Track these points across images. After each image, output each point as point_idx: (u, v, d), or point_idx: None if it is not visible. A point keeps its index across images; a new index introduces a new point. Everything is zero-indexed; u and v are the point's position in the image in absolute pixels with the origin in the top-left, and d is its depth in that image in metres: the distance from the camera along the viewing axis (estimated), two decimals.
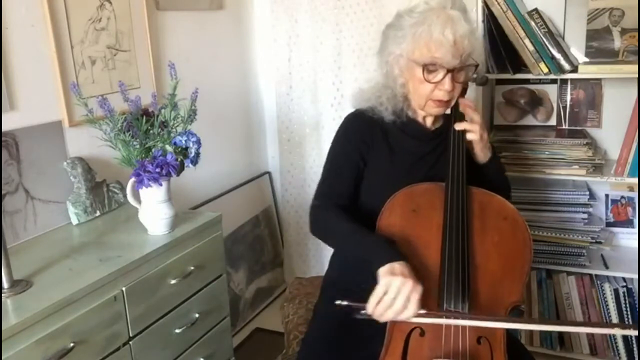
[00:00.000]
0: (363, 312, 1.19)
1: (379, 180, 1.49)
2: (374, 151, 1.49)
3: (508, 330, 1.52)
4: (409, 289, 1.16)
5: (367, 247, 1.29)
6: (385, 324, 1.29)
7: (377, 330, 1.29)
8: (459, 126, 1.46)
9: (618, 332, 1.24)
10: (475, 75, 1.53)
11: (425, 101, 1.44)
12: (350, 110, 1.57)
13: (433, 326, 1.27)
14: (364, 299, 1.23)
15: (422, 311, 1.17)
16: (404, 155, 1.50)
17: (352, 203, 1.47)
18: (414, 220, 1.38)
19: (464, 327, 1.26)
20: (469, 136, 1.46)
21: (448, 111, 1.52)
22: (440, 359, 1.24)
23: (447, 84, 1.39)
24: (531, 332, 2.30)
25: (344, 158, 1.49)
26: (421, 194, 1.41)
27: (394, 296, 1.17)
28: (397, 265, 1.20)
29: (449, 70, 1.38)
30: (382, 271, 1.20)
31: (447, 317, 1.24)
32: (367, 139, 1.49)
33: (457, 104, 1.50)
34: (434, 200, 1.38)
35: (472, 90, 2.21)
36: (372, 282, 1.24)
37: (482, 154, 1.50)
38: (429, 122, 1.53)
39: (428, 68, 1.39)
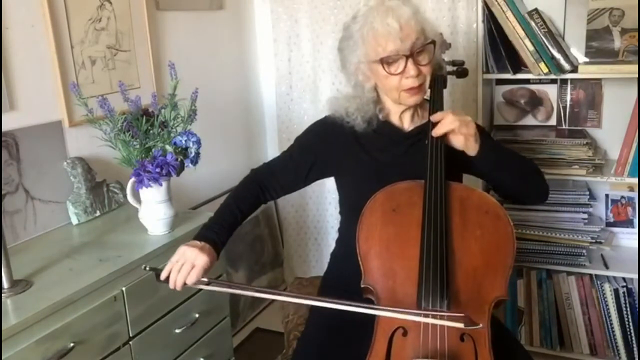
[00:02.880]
0: (161, 278, 1.31)
1: (355, 179, 1.51)
2: (344, 152, 1.51)
3: (504, 328, 1.52)
4: (194, 255, 1.30)
5: (205, 224, 1.44)
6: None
7: (369, 330, 1.30)
8: (435, 132, 1.37)
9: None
10: (449, 71, 1.52)
11: (398, 94, 1.42)
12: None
13: (415, 325, 1.26)
14: (352, 297, 1.30)
15: (205, 279, 1.31)
16: (377, 154, 1.49)
17: (283, 184, 1.58)
18: (395, 219, 1.37)
19: (442, 325, 1.24)
20: (449, 136, 1.37)
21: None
22: (424, 358, 1.24)
23: (411, 69, 1.37)
24: (531, 331, 2.31)
25: (296, 150, 1.58)
26: (401, 193, 1.40)
27: (182, 262, 1.30)
28: (197, 242, 1.35)
29: (407, 57, 1.37)
30: (184, 244, 1.35)
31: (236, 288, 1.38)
32: (330, 140, 1.52)
33: (436, 97, 1.47)
34: (413, 197, 1.37)
35: (468, 89, 2.21)
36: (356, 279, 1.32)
37: (470, 148, 1.38)
38: (406, 122, 1.51)
39: (387, 61, 1.38)
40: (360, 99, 1.47)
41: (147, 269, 1.34)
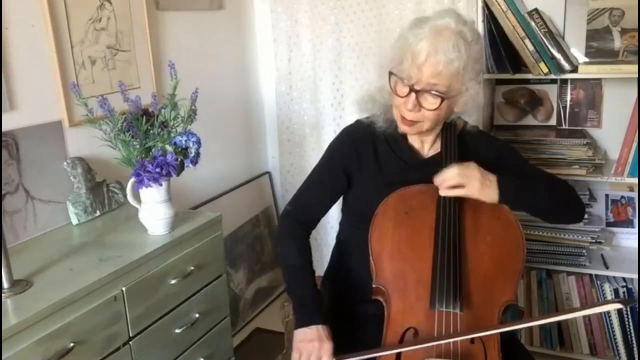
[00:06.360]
0: None
1: (364, 192, 1.49)
2: (362, 166, 1.49)
3: None
4: (317, 348, 1.29)
5: (296, 300, 1.40)
6: (381, 324, 1.31)
7: (373, 330, 1.30)
8: (444, 193, 1.36)
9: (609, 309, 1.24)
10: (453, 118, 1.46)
11: (397, 114, 1.40)
12: (349, 112, 1.56)
13: (426, 326, 1.27)
14: (352, 297, 1.33)
15: None
16: (392, 177, 1.47)
17: (321, 214, 1.54)
18: (407, 221, 1.37)
19: (455, 327, 1.26)
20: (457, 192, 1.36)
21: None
22: (436, 359, 1.24)
23: (409, 102, 1.34)
24: (531, 331, 2.31)
25: (326, 173, 1.53)
26: (413, 196, 1.40)
27: (307, 357, 1.29)
28: (309, 331, 1.32)
29: (412, 89, 1.33)
30: (296, 337, 1.33)
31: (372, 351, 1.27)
32: (353, 155, 1.49)
33: (450, 131, 1.44)
34: (426, 201, 1.38)
35: None
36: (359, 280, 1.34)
37: (487, 197, 1.36)
38: (426, 145, 1.49)
39: (396, 76, 1.35)
40: (385, 98, 1.45)
41: None
